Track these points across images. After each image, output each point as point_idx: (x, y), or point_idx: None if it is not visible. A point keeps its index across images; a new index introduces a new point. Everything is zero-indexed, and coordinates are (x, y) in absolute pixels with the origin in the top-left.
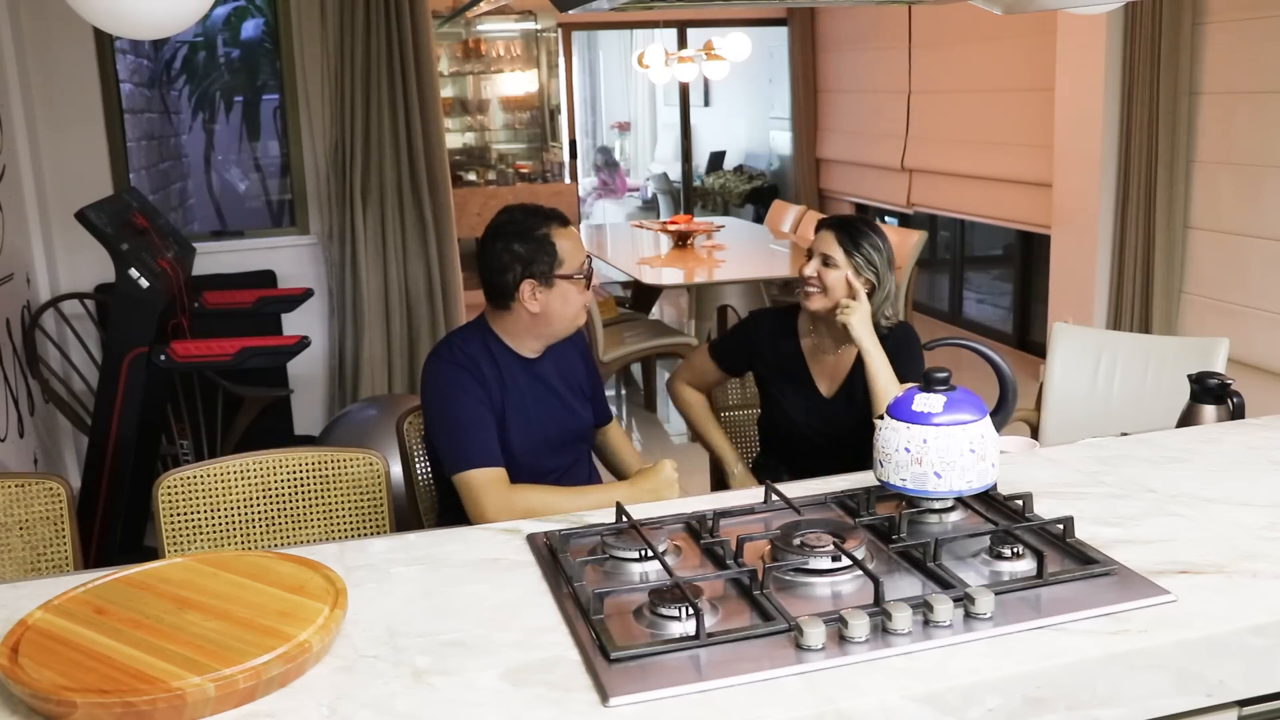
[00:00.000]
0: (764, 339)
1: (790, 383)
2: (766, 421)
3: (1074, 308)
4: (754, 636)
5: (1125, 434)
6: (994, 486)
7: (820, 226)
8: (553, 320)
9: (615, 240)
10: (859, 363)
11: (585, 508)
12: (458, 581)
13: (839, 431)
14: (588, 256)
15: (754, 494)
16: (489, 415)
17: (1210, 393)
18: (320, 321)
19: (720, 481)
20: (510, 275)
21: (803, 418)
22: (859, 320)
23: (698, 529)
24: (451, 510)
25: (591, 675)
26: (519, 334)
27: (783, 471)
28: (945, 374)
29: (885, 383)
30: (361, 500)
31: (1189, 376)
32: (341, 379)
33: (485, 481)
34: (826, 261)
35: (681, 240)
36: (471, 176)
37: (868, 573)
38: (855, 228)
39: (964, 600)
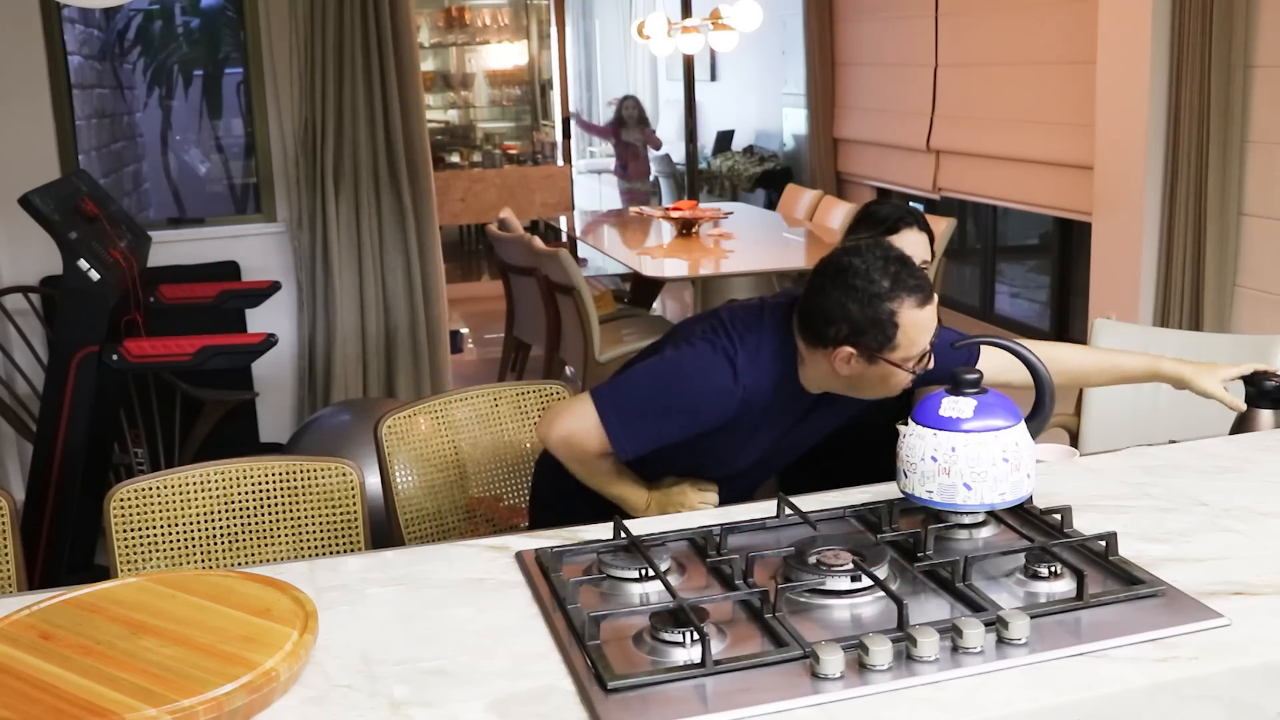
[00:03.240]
0: None
1: None
2: None
3: (1117, 302)
4: (765, 664)
5: (1174, 441)
6: (1029, 499)
7: (900, 225)
8: (859, 389)
9: (613, 229)
10: None
11: (615, 497)
12: (439, 604)
13: (863, 433)
14: (931, 344)
15: (765, 508)
16: (676, 435)
17: (1267, 396)
18: (288, 318)
19: None
20: (834, 331)
21: None
22: None
23: (704, 546)
24: (568, 495)
25: (587, 707)
26: (816, 376)
27: (797, 482)
28: (976, 375)
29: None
30: (334, 514)
31: (1244, 378)
32: (312, 381)
33: (590, 427)
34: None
35: (686, 228)
36: (455, 158)
37: (890, 594)
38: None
39: (996, 624)
